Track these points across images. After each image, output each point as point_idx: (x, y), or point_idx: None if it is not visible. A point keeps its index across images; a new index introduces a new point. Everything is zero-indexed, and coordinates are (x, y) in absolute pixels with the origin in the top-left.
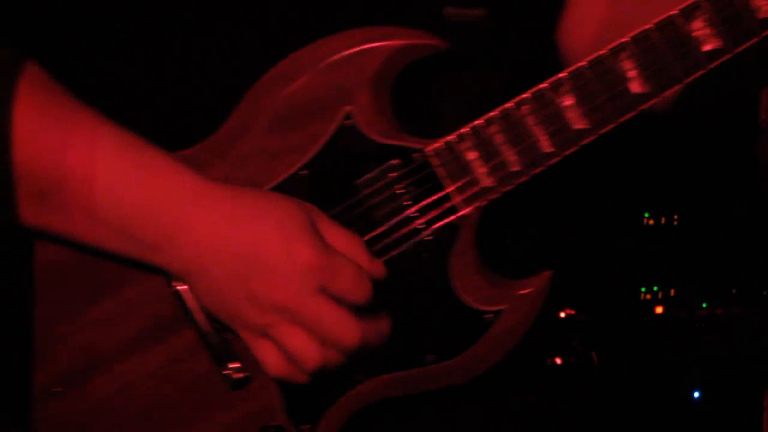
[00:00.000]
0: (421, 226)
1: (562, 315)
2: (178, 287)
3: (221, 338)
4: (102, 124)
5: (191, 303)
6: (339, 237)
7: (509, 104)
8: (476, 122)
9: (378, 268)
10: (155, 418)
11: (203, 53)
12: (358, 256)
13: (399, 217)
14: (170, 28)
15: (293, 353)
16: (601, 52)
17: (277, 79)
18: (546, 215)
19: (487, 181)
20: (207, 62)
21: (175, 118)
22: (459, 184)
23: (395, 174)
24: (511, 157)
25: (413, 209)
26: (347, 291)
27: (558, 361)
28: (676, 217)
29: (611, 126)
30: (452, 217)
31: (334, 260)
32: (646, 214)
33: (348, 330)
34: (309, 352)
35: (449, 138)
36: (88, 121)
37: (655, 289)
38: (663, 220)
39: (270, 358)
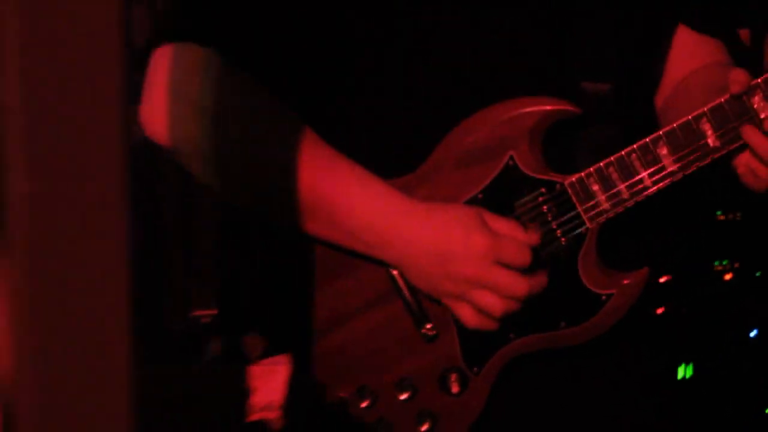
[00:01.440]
0: (559, 235)
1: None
2: (393, 272)
3: (420, 308)
4: (352, 169)
5: (401, 283)
6: (501, 224)
7: (622, 152)
8: (599, 164)
9: (532, 237)
10: (373, 359)
11: (413, 112)
12: (516, 234)
13: (544, 229)
14: (396, 89)
15: (483, 307)
16: (688, 117)
17: (464, 130)
18: (645, 226)
19: (605, 206)
20: (415, 117)
21: (396, 154)
22: (586, 206)
23: (542, 199)
24: (622, 189)
25: (554, 224)
26: (513, 258)
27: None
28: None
29: (693, 169)
30: (581, 230)
31: (500, 240)
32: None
33: (518, 284)
34: (493, 305)
35: (581, 174)
36: (344, 169)
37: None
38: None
39: (466, 315)
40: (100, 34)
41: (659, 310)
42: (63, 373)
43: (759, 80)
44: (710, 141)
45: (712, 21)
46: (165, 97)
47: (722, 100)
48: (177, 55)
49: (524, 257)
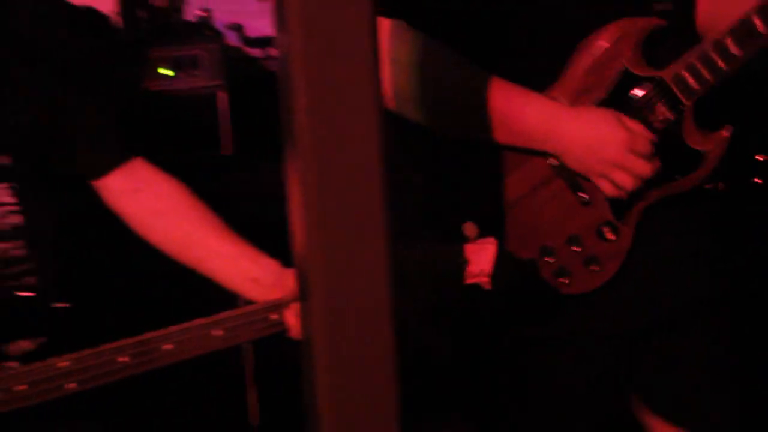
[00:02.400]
0: (670, 114)
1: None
2: (552, 160)
3: (576, 182)
4: (519, 90)
5: (560, 166)
6: (630, 122)
7: (701, 47)
8: (687, 58)
9: (650, 132)
10: (547, 226)
11: (547, 43)
12: (640, 129)
13: (655, 113)
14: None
15: (619, 184)
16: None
17: (583, 52)
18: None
19: (696, 87)
20: (560, 44)
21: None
22: (682, 89)
23: (649, 89)
24: (706, 75)
25: (662, 105)
26: (641, 148)
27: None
28: None
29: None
30: (681, 107)
31: (632, 134)
32: None
33: (645, 167)
34: (628, 182)
35: (673, 68)
36: (514, 91)
37: None
38: None
39: (608, 188)
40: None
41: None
42: (338, 244)
43: None
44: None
45: None
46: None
47: None
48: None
49: (648, 147)
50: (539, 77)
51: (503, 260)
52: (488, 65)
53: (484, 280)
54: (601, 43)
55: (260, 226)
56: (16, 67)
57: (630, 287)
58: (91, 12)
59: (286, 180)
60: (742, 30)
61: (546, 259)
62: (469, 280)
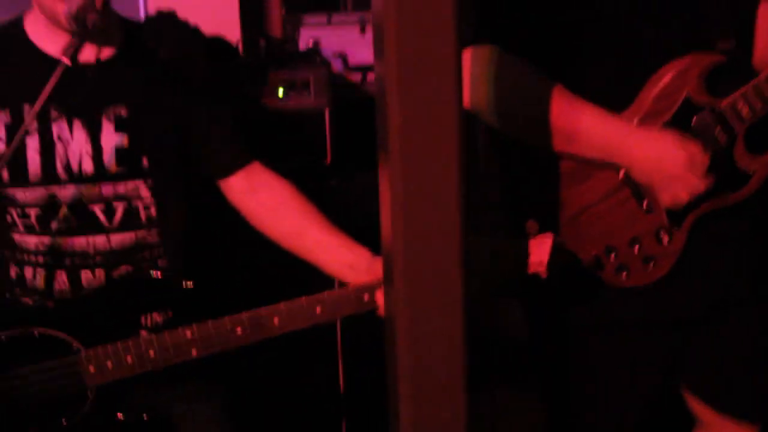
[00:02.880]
0: (724, 138)
1: None
2: (622, 171)
3: (640, 193)
4: (596, 110)
5: (627, 177)
6: (690, 142)
7: (753, 81)
8: (741, 90)
9: (708, 153)
10: (612, 229)
11: (625, 73)
12: (699, 150)
13: (710, 136)
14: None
15: (676, 197)
16: None
17: (654, 81)
18: None
19: (747, 116)
20: (635, 73)
21: (615, 101)
22: (735, 117)
23: (708, 116)
24: (756, 106)
25: (718, 131)
26: (699, 168)
27: None
28: None
29: None
30: (735, 132)
31: (692, 155)
32: None
33: (701, 184)
34: (685, 196)
35: (730, 99)
36: (587, 111)
37: None
38: None
39: (666, 199)
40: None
41: None
42: (420, 238)
43: None
44: None
45: None
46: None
47: None
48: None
49: (704, 167)
50: (618, 100)
51: (559, 252)
52: (575, 88)
53: (542, 270)
54: (670, 74)
55: (354, 222)
56: (164, 87)
57: (682, 283)
58: (220, 40)
59: (379, 184)
60: None
61: (611, 256)
62: (531, 269)
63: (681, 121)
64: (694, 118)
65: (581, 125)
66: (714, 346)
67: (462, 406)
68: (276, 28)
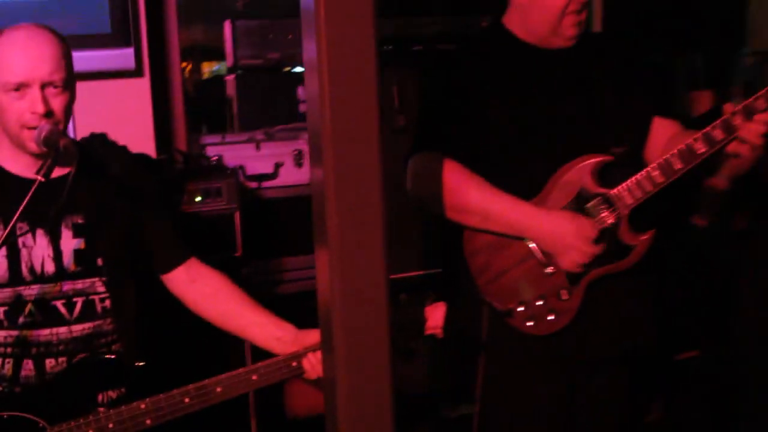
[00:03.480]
0: (611, 219)
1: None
2: (531, 244)
3: (545, 261)
4: (511, 198)
5: (535, 248)
6: (582, 220)
7: (637, 175)
8: (627, 182)
9: (596, 226)
10: (524, 287)
11: (532, 170)
12: (589, 224)
13: (599, 217)
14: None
15: (574, 259)
16: (687, 142)
17: (559, 175)
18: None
19: (630, 202)
20: (531, 173)
21: (525, 192)
22: (620, 203)
23: (599, 201)
24: (637, 195)
25: (606, 213)
26: (589, 236)
27: None
28: None
29: (684, 172)
30: (619, 214)
31: (583, 229)
32: None
33: (592, 249)
34: (579, 259)
35: (617, 188)
36: (501, 198)
37: None
38: None
39: (565, 263)
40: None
41: None
42: (355, 298)
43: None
44: (678, 165)
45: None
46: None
47: (706, 130)
48: (421, 158)
49: (594, 235)
50: (531, 190)
51: (451, 317)
52: (499, 182)
53: (438, 332)
54: (570, 171)
55: (263, 303)
56: (115, 198)
57: (581, 331)
58: (147, 157)
59: (316, 270)
60: (686, 151)
61: (520, 309)
62: (428, 332)
63: (577, 206)
64: (588, 203)
65: (495, 208)
66: (598, 393)
67: None
68: (182, 145)
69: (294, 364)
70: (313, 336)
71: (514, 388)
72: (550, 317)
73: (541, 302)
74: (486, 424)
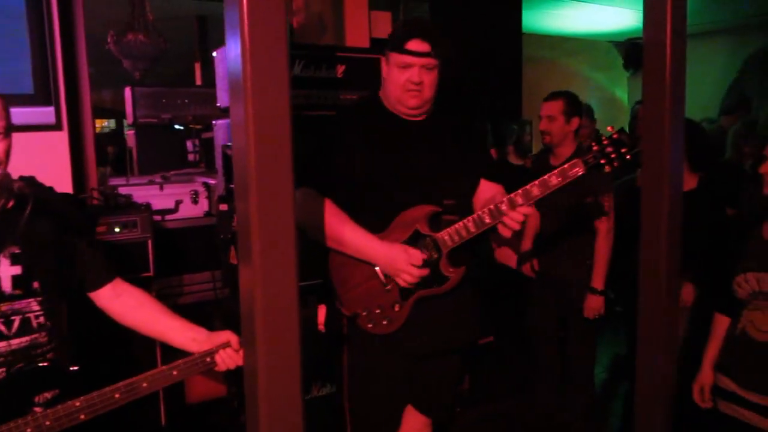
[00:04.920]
0: (434, 254)
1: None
2: (376, 268)
3: (385, 281)
4: (361, 230)
5: (378, 270)
6: (412, 251)
7: (457, 224)
8: (450, 228)
9: (423, 256)
10: (369, 298)
11: (382, 210)
12: (417, 254)
13: (428, 252)
14: (374, 201)
15: (405, 279)
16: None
17: (400, 218)
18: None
19: (450, 244)
20: (383, 212)
21: (376, 226)
22: (444, 244)
23: (428, 241)
24: (456, 239)
25: (432, 250)
26: (416, 262)
27: None
28: None
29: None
30: (442, 251)
31: (412, 257)
32: None
33: (418, 272)
34: (409, 279)
35: (441, 233)
36: (357, 230)
37: None
38: None
39: (400, 281)
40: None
41: None
42: (272, 303)
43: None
44: (487, 219)
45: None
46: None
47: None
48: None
49: (418, 263)
50: (380, 227)
51: (330, 317)
52: (358, 218)
53: (321, 328)
54: (409, 215)
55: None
56: (49, 229)
57: (409, 334)
58: (73, 195)
59: (240, 279)
60: (495, 210)
61: (364, 314)
62: (320, 327)
63: (413, 241)
64: (420, 241)
65: (354, 241)
66: (430, 374)
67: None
68: (94, 184)
69: (208, 359)
70: (222, 336)
71: (366, 372)
72: (385, 322)
73: (379, 311)
74: (350, 399)
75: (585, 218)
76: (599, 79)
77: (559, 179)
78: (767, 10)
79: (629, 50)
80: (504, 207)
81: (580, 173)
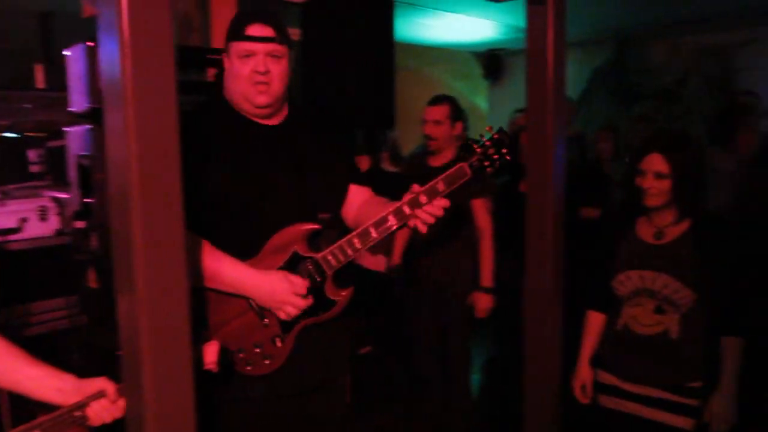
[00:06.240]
0: (317, 278)
1: None
2: (251, 300)
3: (261, 312)
4: (232, 262)
5: (253, 304)
6: (293, 278)
7: (339, 242)
8: (331, 247)
9: (306, 284)
10: (243, 336)
11: (249, 232)
12: (299, 282)
13: (310, 276)
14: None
15: (286, 312)
16: (381, 215)
17: (274, 239)
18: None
19: (334, 264)
20: (249, 236)
21: (244, 253)
22: (326, 265)
23: (308, 264)
24: (341, 258)
25: (315, 273)
26: (298, 291)
27: None
28: None
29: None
30: (325, 274)
31: (293, 286)
32: None
33: (300, 303)
34: (291, 311)
35: (323, 253)
36: (224, 261)
37: None
38: None
39: (282, 314)
40: None
41: None
42: (161, 340)
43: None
44: (373, 233)
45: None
46: None
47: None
48: None
49: (303, 292)
50: (251, 251)
51: (221, 355)
52: (226, 245)
53: (212, 367)
54: (284, 236)
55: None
56: None
57: (295, 369)
58: None
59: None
60: (381, 221)
61: (240, 355)
62: (206, 367)
63: (291, 266)
64: (300, 264)
65: (222, 271)
66: (315, 407)
67: None
68: None
69: (78, 413)
70: (94, 384)
71: (242, 421)
72: (267, 362)
73: (258, 349)
74: None
75: (462, 221)
76: (460, 87)
77: (445, 187)
78: (612, 26)
79: (489, 60)
80: (407, 210)
81: (468, 177)
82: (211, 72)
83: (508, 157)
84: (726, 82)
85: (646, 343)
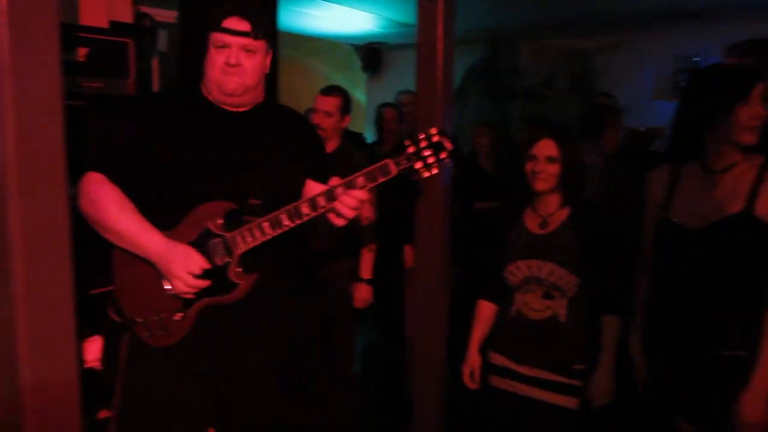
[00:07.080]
0: (225, 258)
1: None
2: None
3: (163, 280)
4: (146, 226)
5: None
6: (195, 255)
7: (254, 223)
8: (242, 228)
9: (206, 262)
10: (151, 304)
11: (179, 204)
12: (199, 258)
13: (217, 255)
14: (170, 196)
15: (177, 288)
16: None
17: (192, 214)
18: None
19: (242, 246)
20: (175, 207)
21: (164, 222)
22: (235, 246)
23: (218, 241)
24: (248, 240)
25: (222, 252)
26: (194, 272)
27: None
28: None
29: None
30: (234, 254)
31: (192, 263)
32: None
33: (193, 282)
34: (182, 287)
35: (233, 232)
36: (142, 226)
37: None
38: None
39: (176, 287)
40: None
41: None
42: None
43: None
44: (285, 221)
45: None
46: (82, 198)
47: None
48: (87, 177)
49: (197, 272)
50: (171, 223)
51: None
52: (149, 212)
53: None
54: (201, 210)
55: None
56: None
57: (204, 350)
58: None
59: None
60: (293, 210)
61: (140, 321)
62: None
63: (202, 241)
64: (210, 242)
65: (128, 231)
66: (238, 400)
67: None
68: None
69: None
70: None
71: (147, 395)
72: (161, 333)
73: (156, 318)
74: (122, 428)
75: None
76: (339, 80)
77: (366, 182)
78: (485, 27)
79: (368, 54)
80: (322, 201)
81: (392, 175)
82: (81, 51)
83: (447, 162)
84: (587, 84)
85: (537, 328)
